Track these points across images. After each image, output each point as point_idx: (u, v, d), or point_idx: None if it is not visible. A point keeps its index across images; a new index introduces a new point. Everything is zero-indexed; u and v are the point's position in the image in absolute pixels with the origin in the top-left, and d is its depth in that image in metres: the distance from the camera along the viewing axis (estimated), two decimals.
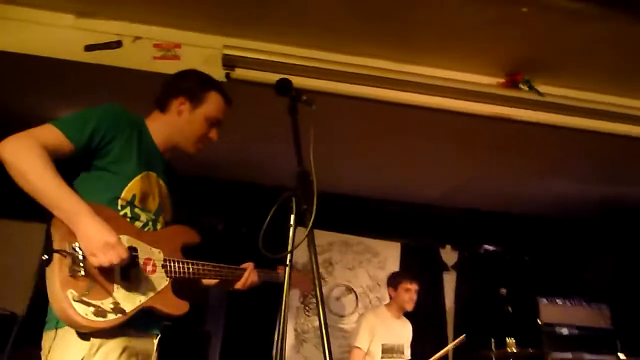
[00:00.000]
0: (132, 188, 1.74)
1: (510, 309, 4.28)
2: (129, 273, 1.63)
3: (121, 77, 3.12)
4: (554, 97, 3.33)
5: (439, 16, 2.95)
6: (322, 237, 5.35)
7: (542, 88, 3.30)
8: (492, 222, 5.60)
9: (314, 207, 1.48)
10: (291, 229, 1.54)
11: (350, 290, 5.40)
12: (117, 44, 2.99)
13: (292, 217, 1.55)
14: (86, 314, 1.51)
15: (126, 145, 1.74)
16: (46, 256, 1.52)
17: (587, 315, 4.93)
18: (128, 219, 1.73)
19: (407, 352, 4.11)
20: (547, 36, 3.03)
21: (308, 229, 1.47)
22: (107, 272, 1.57)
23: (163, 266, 1.75)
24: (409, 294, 4.04)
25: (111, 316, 1.56)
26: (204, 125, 1.91)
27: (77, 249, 1.53)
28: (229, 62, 3.05)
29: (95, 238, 1.52)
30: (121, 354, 1.61)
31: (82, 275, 1.52)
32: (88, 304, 1.51)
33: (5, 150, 1.52)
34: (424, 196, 5.45)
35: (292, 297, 5.17)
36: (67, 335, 1.56)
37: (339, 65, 3.19)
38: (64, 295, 1.49)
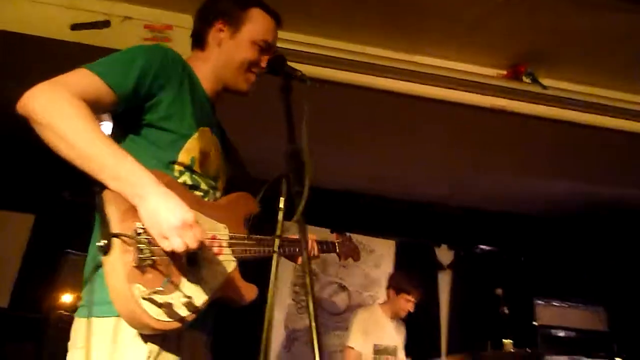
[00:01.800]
0: (189, 149, 1.42)
1: (506, 309, 4.18)
2: (195, 257, 1.33)
3: None
4: (558, 90, 3.23)
5: (443, 4, 2.85)
6: (316, 233, 5.22)
7: (545, 81, 3.20)
8: (489, 221, 5.51)
9: (307, 188, 1.33)
10: (280, 213, 1.41)
11: (343, 288, 5.29)
12: (105, 24, 2.86)
13: (282, 200, 1.42)
14: (158, 315, 1.21)
15: (179, 95, 1.42)
16: (104, 242, 1.19)
17: (583, 317, 4.85)
18: (188, 189, 1.42)
19: (401, 355, 3.99)
20: (553, 27, 2.93)
21: (299, 213, 1.31)
22: (174, 260, 1.28)
23: (229, 245, 1.45)
24: (409, 305, 3.93)
25: (184, 313, 1.27)
26: (251, 50, 1.56)
27: (141, 230, 1.23)
28: None
29: (170, 217, 1.20)
30: None
31: (150, 265, 1.22)
32: (158, 303, 1.22)
33: (30, 104, 1.19)
34: (420, 194, 5.36)
35: (283, 293, 5.05)
36: (121, 331, 1.26)
37: (339, 53, 3.09)
38: (131, 292, 1.18)
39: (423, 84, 3.20)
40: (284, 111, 1.54)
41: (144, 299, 1.19)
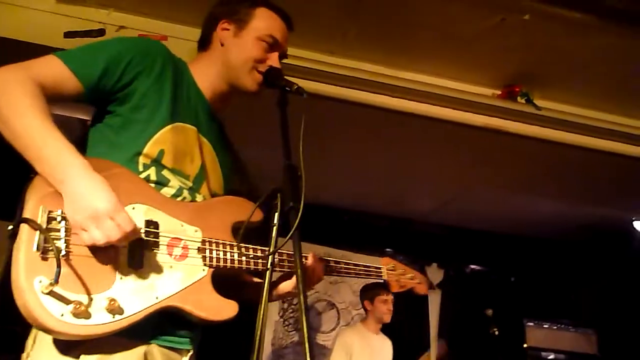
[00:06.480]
0: (159, 141, 1.33)
1: (496, 330, 4.15)
2: (141, 258, 1.21)
3: None
4: (552, 111, 3.25)
5: (439, 22, 2.86)
6: (304, 249, 5.15)
7: (540, 102, 3.22)
8: (479, 241, 5.49)
9: (302, 204, 1.29)
10: (274, 229, 1.36)
11: (331, 305, 5.22)
12: (100, 33, 2.83)
13: (276, 215, 1.37)
14: (62, 315, 1.07)
15: (155, 85, 1.35)
16: (10, 227, 1.09)
17: (573, 340, 4.82)
18: (152, 184, 1.32)
19: None
20: (547, 48, 2.97)
21: (294, 228, 1.27)
22: (106, 255, 1.15)
23: (200, 250, 1.33)
24: (387, 305, 3.91)
25: (103, 318, 1.12)
26: (256, 47, 1.48)
27: (59, 217, 1.12)
28: None
29: (86, 202, 1.10)
30: None
31: (63, 257, 1.09)
32: (65, 300, 1.07)
33: None
34: (411, 211, 5.33)
35: (270, 310, 4.97)
36: (45, 345, 1.15)
37: (331, 67, 3.08)
38: (29, 284, 1.05)
39: (416, 101, 3.20)
40: (279, 124, 1.51)
41: (46, 293, 1.06)
